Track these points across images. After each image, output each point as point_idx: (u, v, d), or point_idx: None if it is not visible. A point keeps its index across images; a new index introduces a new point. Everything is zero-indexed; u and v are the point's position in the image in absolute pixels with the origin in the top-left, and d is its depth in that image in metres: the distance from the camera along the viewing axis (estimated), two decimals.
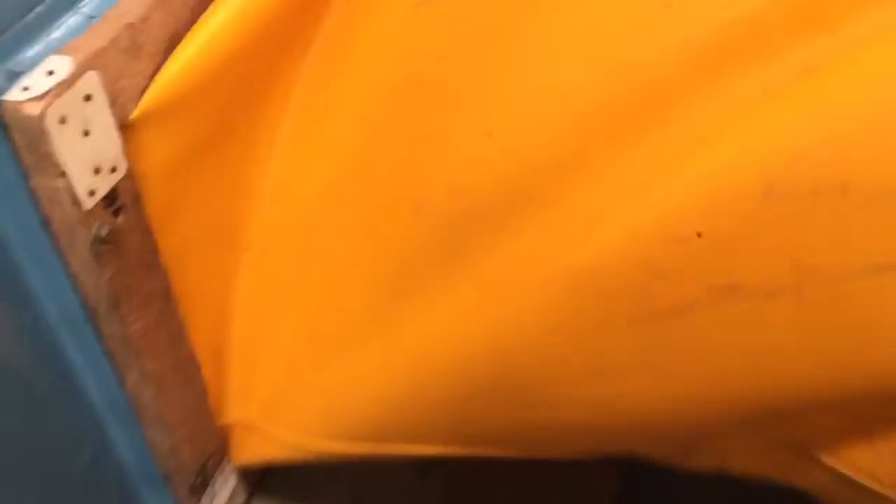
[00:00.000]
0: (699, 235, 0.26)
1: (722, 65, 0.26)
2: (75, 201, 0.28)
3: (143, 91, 0.30)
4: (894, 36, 0.24)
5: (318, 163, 0.37)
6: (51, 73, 0.27)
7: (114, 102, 0.29)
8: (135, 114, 0.30)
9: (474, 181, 0.31)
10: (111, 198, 0.30)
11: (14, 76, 0.27)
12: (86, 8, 0.30)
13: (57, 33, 0.29)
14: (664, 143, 0.27)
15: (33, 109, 0.26)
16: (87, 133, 0.28)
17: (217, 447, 0.45)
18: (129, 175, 0.30)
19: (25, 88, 0.26)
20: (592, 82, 0.28)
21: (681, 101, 0.27)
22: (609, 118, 0.28)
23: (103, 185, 0.29)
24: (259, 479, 0.49)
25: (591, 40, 0.28)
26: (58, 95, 0.26)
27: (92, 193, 0.29)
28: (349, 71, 0.34)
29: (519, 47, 0.30)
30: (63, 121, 0.27)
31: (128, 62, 0.29)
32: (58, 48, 0.28)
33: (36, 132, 0.27)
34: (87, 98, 0.28)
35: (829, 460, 0.29)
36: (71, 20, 0.30)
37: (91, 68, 0.28)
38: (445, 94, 0.32)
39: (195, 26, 0.31)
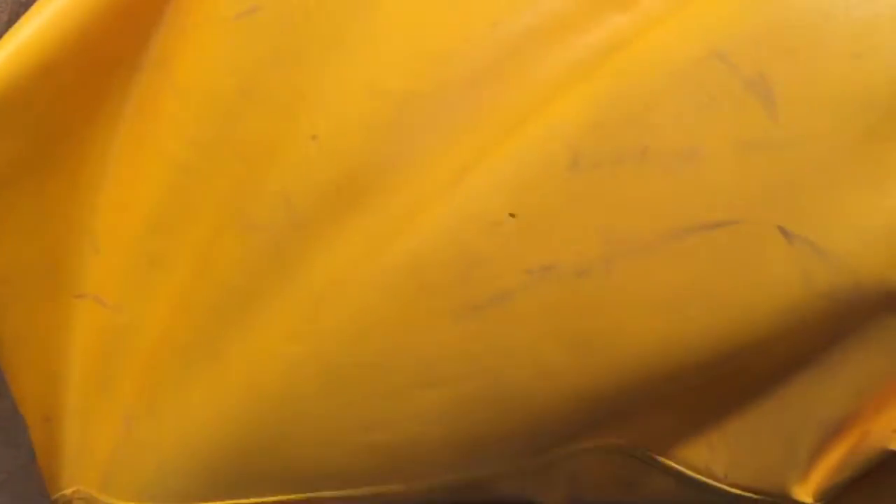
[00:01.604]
0: (512, 216, 0.25)
1: (529, 48, 0.26)
2: None
3: None
4: (683, 10, 0.25)
5: (147, 194, 0.35)
6: None
7: None
8: None
9: (300, 188, 0.30)
10: None
11: None
12: None
13: None
14: (478, 130, 0.27)
15: None
16: None
17: None
18: None
19: None
20: (405, 77, 0.28)
21: (491, 88, 0.27)
22: (422, 111, 0.27)
23: None
24: None
25: (401, 35, 0.28)
26: None
27: None
28: (176, 91, 0.33)
29: (337, 49, 0.30)
30: None
31: None
32: None
33: None
34: None
35: (669, 461, 0.28)
36: None
37: None
38: (272, 104, 0.31)
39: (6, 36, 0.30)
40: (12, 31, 0.30)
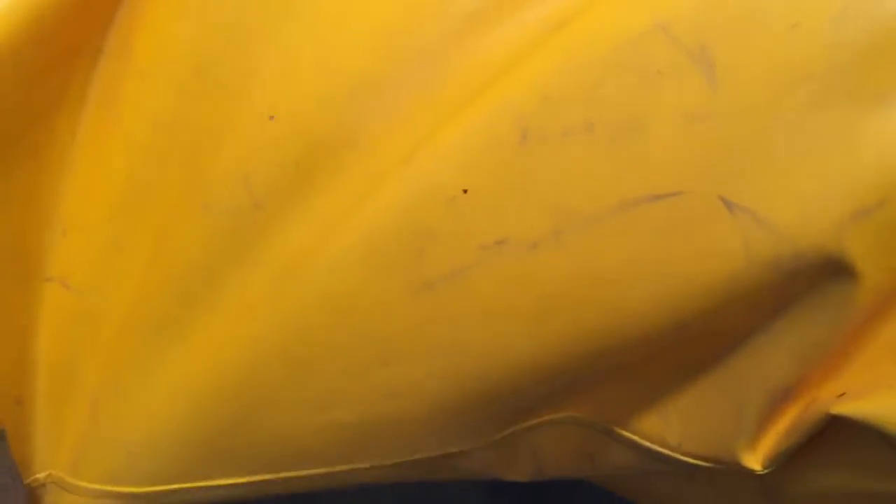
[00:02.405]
0: (465, 192, 0.26)
1: (479, 25, 0.26)
2: None
3: None
4: None
5: (111, 178, 0.35)
6: None
7: None
8: None
9: (259, 167, 0.30)
10: None
11: None
12: None
13: None
14: (430, 106, 0.27)
15: None
16: None
17: None
18: None
19: None
20: (356, 54, 0.28)
21: (442, 65, 0.27)
22: (375, 88, 0.28)
23: None
24: None
25: (352, 12, 0.28)
26: None
27: None
28: (136, 73, 0.34)
29: (290, 25, 0.30)
30: None
31: None
32: None
33: None
34: None
35: (626, 432, 0.28)
36: None
37: None
38: (226, 82, 0.31)
39: None
40: None
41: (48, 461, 0.40)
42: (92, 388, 0.38)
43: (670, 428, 0.27)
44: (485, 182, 0.25)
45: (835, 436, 0.25)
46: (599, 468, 0.31)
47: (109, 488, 0.39)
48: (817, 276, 0.23)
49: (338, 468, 0.34)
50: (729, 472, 0.27)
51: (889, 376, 0.23)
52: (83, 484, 0.39)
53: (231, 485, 0.36)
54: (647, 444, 0.28)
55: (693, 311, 0.24)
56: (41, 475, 0.41)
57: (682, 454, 0.27)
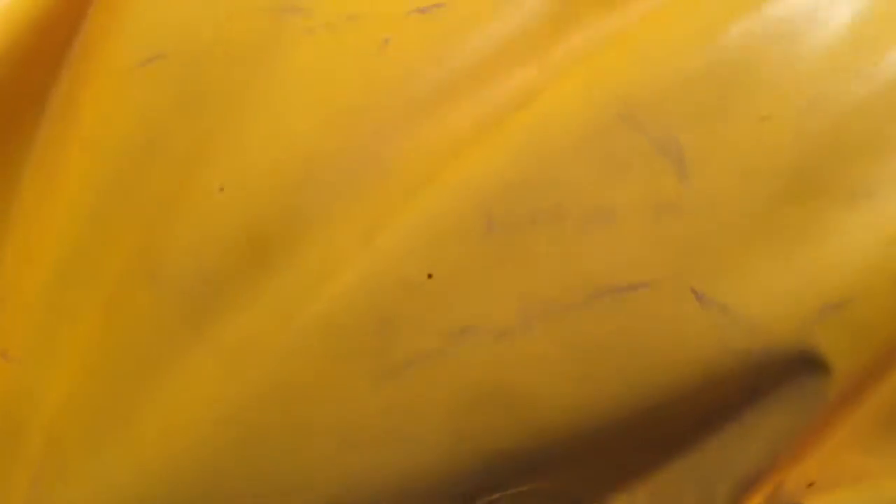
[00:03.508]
0: (430, 277, 0.25)
1: (437, 103, 0.26)
2: None
3: None
4: (591, 64, 0.25)
5: (54, 245, 0.34)
6: None
7: None
8: None
9: (208, 241, 0.29)
10: None
11: None
12: None
13: None
14: (389, 185, 0.26)
15: None
16: None
17: None
18: None
19: None
20: (313, 129, 0.27)
21: (401, 143, 0.26)
22: (331, 165, 0.27)
23: None
24: None
25: (310, 87, 0.27)
26: None
27: None
28: (82, 141, 0.32)
29: (245, 98, 0.29)
30: None
31: None
32: None
33: None
34: None
35: None
36: None
37: None
38: (179, 154, 0.30)
39: None
40: None
41: None
42: (33, 468, 0.36)
43: None
44: (450, 268, 0.25)
45: None
46: None
47: None
48: (788, 369, 0.23)
49: None
50: None
51: (855, 466, 0.23)
52: None
53: None
54: None
55: (663, 400, 0.24)
56: None
57: None
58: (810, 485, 0.24)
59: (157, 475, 0.32)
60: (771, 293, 0.22)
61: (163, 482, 0.32)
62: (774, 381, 0.23)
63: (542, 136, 0.24)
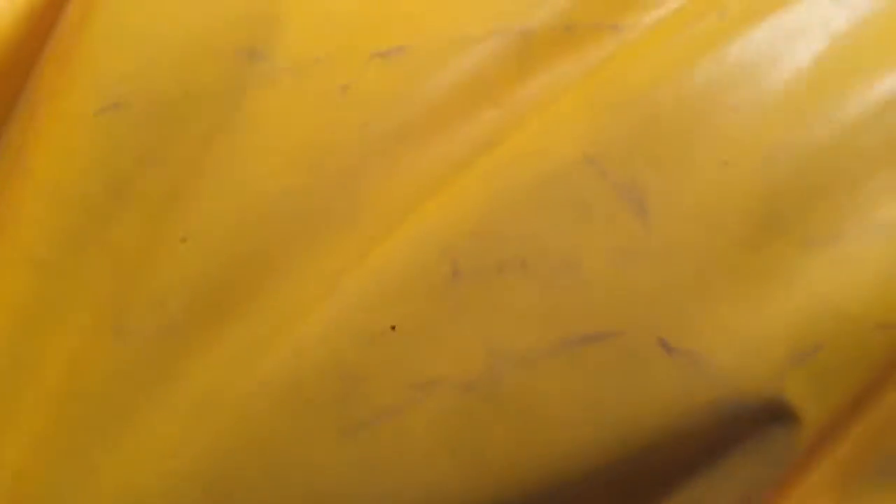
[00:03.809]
0: (393, 328, 0.24)
1: (401, 145, 0.26)
2: None
3: None
4: (553, 109, 0.25)
5: (10, 294, 0.33)
6: None
7: None
8: None
9: (171, 292, 0.28)
10: None
11: None
12: None
13: None
14: (351, 232, 0.26)
15: None
16: None
17: None
18: None
19: None
20: (274, 177, 0.27)
21: (364, 189, 0.26)
22: (292, 212, 0.26)
23: None
24: None
25: (272, 135, 0.27)
26: None
27: None
28: (36, 188, 0.31)
29: (208, 147, 0.28)
30: None
31: None
32: None
33: None
34: None
35: None
36: None
37: None
38: (141, 204, 0.29)
39: None
40: None
41: None
42: None
43: None
44: (415, 318, 0.24)
45: None
46: None
47: None
48: (758, 419, 0.22)
49: None
50: None
51: None
52: None
53: None
54: None
55: (631, 451, 0.23)
56: None
57: None
58: None
59: None
60: (739, 342, 0.22)
61: None
62: (744, 431, 0.23)
63: (506, 183, 0.24)
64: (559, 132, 0.24)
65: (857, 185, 0.22)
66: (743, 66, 0.24)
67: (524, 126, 0.25)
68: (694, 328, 0.22)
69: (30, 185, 0.31)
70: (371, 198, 0.25)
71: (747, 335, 0.22)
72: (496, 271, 0.23)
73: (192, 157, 0.28)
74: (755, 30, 0.24)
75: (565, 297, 0.23)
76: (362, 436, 0.26)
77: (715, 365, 0.22)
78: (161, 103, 0.29)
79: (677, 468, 0.24)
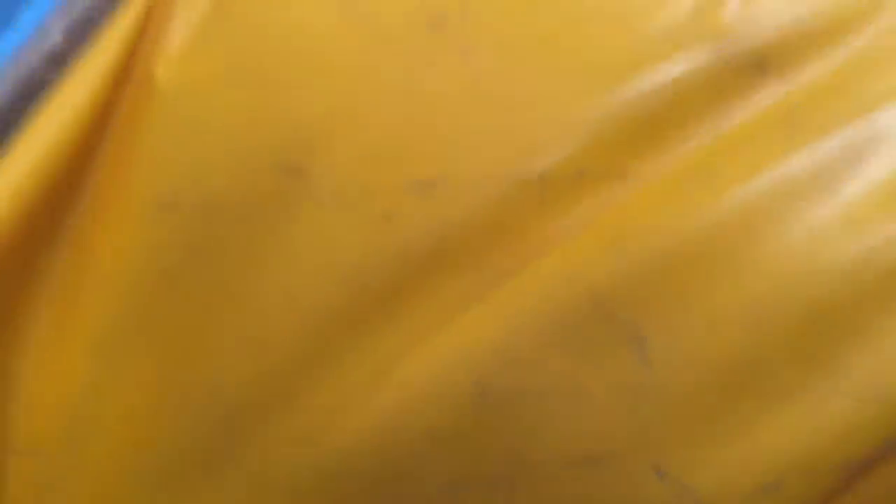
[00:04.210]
0: (428, 430, 0.28)
1: (436, 269, 0.29)
2: None
3: None
4: (568, 245, 0.28)
5: (77, 359, 0.36)
6: None
7: None
8: None
9: (230, 384, 0.32)
10: None
11: None
12: None
13: None
14: (388, 344, 0.29)
15: None
16: None
17: None
18: None
19: None
20: (319, 291, 0.30)
21: (404, 304, 0.29)
22: (339, 326, 0.30)
23: None
24: None
25: (321, 251, 0.30)
26: None
27: None
28: (100, 276, 0.35)
29: (254, 256, 0.31)
30: None
31: None
32: None
33: None
34: None
35: None
36: None
37: None
38: (195, 298, 0.33)
39: None
40: None
41: None
42: None
43: None
44: (445, 428, 0.28)
45: None
46: None
47: None
48: None
49: None
50: None
51: None
52: None
53: None
54: None
55: None
56: None
57: None
58: None
59: None
60: (719, 470, 0.26)
61: None
62: None
63: (529, 317, 0.27)
64: (572, 271, 0.27)
65: (835, 347, 0.26)
66: (742, 217, 0.27)
67: (544, 260, 0.28)
68: (683, 456, 0.26)
69: (94, 273, 0.35)
70: (404, 321, 0.29)
71: (725, 464, 0.26)
72: (519, 394, 0.27)
73: (237, 264, 0.31)
74: (747, 193, 0.27)
75: (575, 422, 0.27)
76: None
77: (698, 489, 0.26)
78: (210, 208, 0.32)
79: None
